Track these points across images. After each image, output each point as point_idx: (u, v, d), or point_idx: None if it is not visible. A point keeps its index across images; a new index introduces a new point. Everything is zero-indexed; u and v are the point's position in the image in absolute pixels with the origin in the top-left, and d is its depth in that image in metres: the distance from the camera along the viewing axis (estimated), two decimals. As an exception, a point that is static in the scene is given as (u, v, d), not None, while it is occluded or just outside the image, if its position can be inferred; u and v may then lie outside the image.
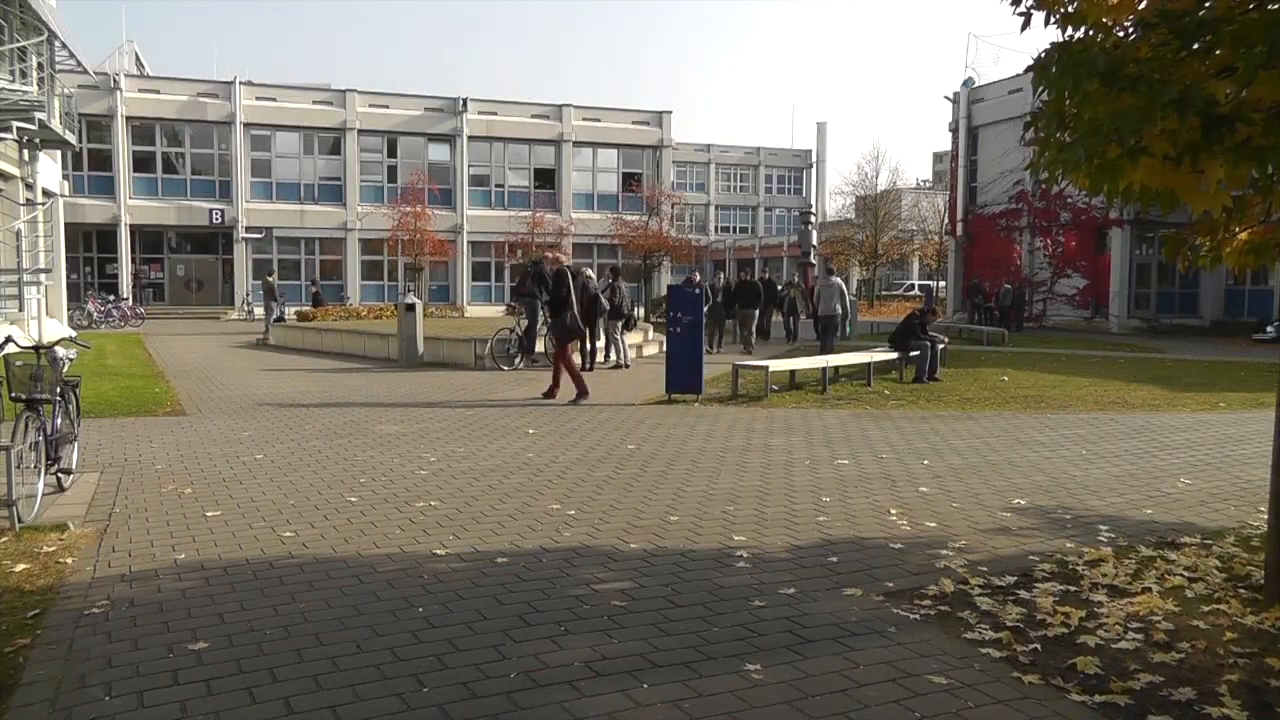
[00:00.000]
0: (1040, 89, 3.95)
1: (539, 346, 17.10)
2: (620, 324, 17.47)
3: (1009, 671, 3.92)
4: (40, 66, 20.49)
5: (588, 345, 16.75)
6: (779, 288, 26.45)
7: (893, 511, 6.61)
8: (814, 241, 35.96)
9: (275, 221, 38.55)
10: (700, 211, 69.25)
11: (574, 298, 12.56)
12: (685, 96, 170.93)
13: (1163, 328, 29.97)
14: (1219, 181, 3.88)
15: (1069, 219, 31.18)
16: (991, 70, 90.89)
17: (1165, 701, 3.63)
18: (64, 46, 21.33)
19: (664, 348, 14.27)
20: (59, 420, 6.98)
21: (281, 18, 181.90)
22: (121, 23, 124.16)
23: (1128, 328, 30.10)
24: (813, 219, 37.34)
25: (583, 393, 12.25)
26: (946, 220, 43.70)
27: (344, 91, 39.80)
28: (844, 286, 19.76)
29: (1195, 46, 3.66)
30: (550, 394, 12.61)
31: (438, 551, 5.61)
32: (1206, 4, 3.75)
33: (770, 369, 13.37)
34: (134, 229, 37.29)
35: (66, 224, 27.33)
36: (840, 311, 18.61)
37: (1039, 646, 4.15)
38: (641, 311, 27.99)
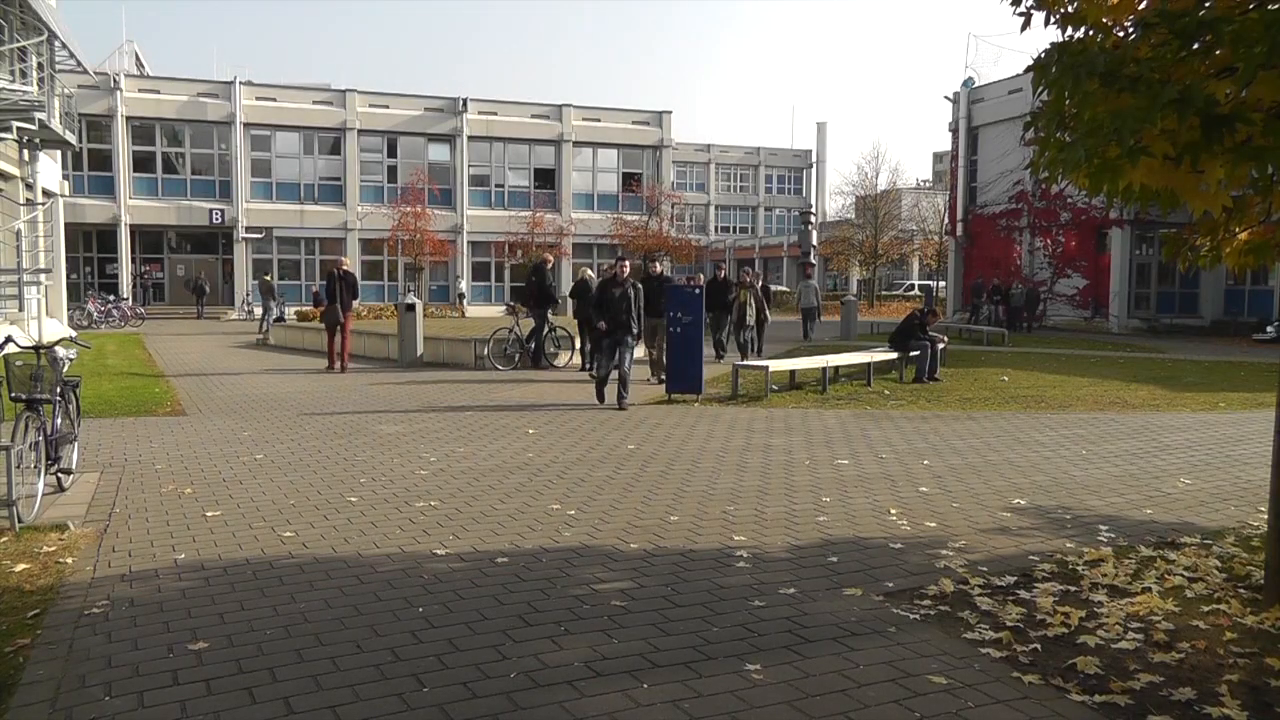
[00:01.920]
0: (1040, 89, 3.95)
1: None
2: None
3: (1009, 671, 3.92)
4: (40, 66, 20.48)
5: (586, 345, 16.75)
6: (730, 292, 18.79)
7: (893, 511, 6.61)
8: (814, 241, 35.91)
9: (275, 221, 38.54)
10: (700, 211, 69.26)
11: (339, 294, 16.38)
12: (685, 96, 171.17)
13: (1163, 328, 29.95)
14: (1219, 181, 3.87)
15: (1069, 219, 31.14)
16: (991, 70, 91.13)
17: (1165, 701, 3.63)
18: (64, 46, 21.31)
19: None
20: (59, 420, 6.99)
21: (281, 18, 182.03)
22: (121, 23, 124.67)
23: (1128, 328, 30.08)
24: (813, 219, 37.26)
25: (333, 368, 16.52)
26: (946, 220, 43.68)
27: (344, 91, 39.79)
28: (817, 287, 27.25)
29: (1195, 46, 3.65)
30: (329, 369, 16.52)
31: (438, 551, 5.62)
32: (1206, 4, 3.74)
33: (770, 369, 13.39)
34: (134, 229, 37.29)
35: (66, 224, 27.34)
36: (816, 305, 25.60)
37: (1039, 646, 4.15)
38: None
